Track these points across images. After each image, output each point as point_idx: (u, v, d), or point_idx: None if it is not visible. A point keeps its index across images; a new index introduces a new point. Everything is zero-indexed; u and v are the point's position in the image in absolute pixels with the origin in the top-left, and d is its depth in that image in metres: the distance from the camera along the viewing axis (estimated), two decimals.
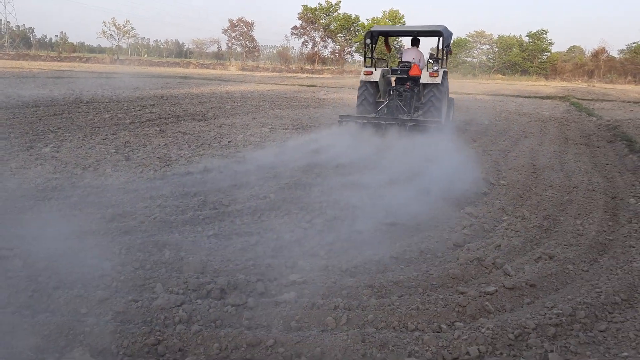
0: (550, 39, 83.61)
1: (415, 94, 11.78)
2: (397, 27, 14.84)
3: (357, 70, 77.72)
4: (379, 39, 12.82)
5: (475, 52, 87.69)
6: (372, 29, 12.23)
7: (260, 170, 7.73)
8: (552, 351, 3.03)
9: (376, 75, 11.78)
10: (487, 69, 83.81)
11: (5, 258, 4.06)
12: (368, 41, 11.99)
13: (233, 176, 7.35)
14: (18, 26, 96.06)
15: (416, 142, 9.82)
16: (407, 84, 11.68)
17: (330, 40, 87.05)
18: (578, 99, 29.72)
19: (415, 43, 12.61)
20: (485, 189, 7.15)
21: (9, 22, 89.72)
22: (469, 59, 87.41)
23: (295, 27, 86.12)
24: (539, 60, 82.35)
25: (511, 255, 4.73)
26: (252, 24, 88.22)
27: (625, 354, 3.05)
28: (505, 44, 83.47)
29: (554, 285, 4.06)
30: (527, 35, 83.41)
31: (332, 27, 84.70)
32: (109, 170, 7.50)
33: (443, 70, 11.59)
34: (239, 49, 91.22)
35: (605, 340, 3.22)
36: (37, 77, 30.68)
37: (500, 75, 77.91)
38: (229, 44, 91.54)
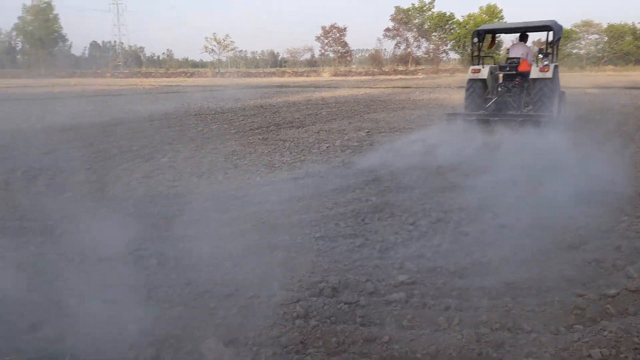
0: None
1: (524, 90, 11.64)
2: (506, 25, 14.93)
3: (452, 69, 75.79)
4: (485, 36, 12.82)
5: (582, 43, 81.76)
6: (479, 28, 12.36)
7: (360, 174, 7.90)
8: None
9: (484, 73, 11.78)
10: (596, 61, 77.78)
11: (143, 258, 4.56)
12: (475, 40, 12.14)
13: (333, 180, 7.58)
14: (130, 46, 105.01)
15: (526, 138, 9.48)
16: (516, 79, 11.56)
17: (424, 39, 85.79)
18: None
19: (523, 39, 12.42)
20: (600, 188, 6.74)
21: (122, 43, 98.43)
22: (575, 51, 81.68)
23: (387, 29, 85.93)
24: None
25: (633, 257, 4.45)
26: (345, 29, 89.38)
27: None
28: (616, 33, 76.96)
29: None
30: None
31: (425, 26, 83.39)
32: (221, 177, 8.05)
33: (554, 64, 11.30)
34: (331, 54, 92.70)
35: None
36: (149, 93, 33.41)
37: (611, 67, 71.99)
38: (322, 51, 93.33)
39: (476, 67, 11.96)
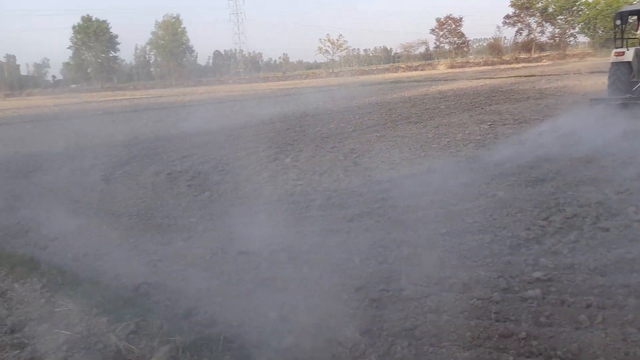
0: None
1: None
2: None
3: (581, 54, 69.93)
4: (628, 18, 12.28)
5: None
6: (622, 9, 12.02)
7: (485, 169, 7.66)
8: None
9: (629, 55, 11.26)
10: None
11: (275, 252, 4.89)
12: (618, 22, 11.84)
13: (456, 175, 7.43)
14: (249, 53, 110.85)
15: None
16: None
17: (548, 24, 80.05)
18: None
19: None
20: None
21: (242, 50, 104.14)
22: None
23: (507, 16, 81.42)
24: None
25: None
26: (461, 19, 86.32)
27: None
28: None
29: None
30: None
31: (550, 9, 77.75)
32: (342, 175, 8.27)
33: None
34: (447, 46, 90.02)
35: None
36: (268, 96, 35.10)
37: None
38: (437, 43, 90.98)
39: (619, 49, 11.47)
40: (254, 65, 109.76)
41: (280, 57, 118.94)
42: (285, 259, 4.79)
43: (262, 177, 8.66)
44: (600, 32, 71.90)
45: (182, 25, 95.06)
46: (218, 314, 3.66)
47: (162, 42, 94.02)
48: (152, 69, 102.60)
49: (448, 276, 4.06)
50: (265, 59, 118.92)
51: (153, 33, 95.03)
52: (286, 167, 9.39)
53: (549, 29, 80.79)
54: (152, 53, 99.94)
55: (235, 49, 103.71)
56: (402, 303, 3.68)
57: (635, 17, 12.78)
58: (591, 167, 7.13)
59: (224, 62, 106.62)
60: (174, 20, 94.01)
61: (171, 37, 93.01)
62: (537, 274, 3.92)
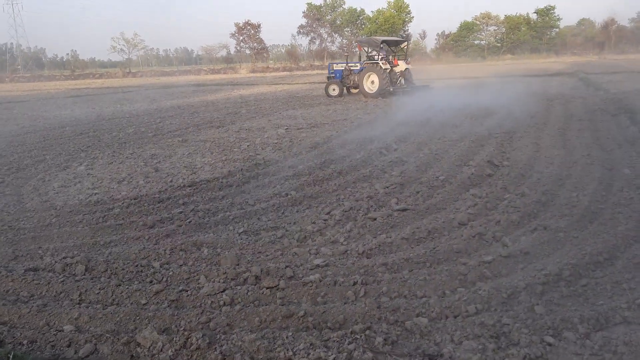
0: (558, 15, 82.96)
1: None
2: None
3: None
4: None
5: (483, 34, 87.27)
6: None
7: (280, 171, 8.36)
8: (537, 304, 3.58)
9: None
10: (496, 50, 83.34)
11: (70, 265, 4.74)
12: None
13: (255, 178, 7.98)
14: (29, 47, 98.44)
15: None
16: None
17: (337, 35, 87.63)
18: (587, 73, 29.74)
19: None
20: (490, 171, 7.66)
21: (20, 45, 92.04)
22: (477, 42, 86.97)
23: (301, 26, 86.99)
24: (548, 36, 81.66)
25: (510, 228, 5.27)
26: (259, 25, 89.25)
27: (601, 302, 3.59)
28: (513, 24, 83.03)
29: (546, 252, 4.60)
30: (534, 13, 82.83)
31: (338, 22, 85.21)
32: (142, 182, 8.19)
33: None
34: (247, 51, 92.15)
35: (585, 293, 3.77)
36: (55, 97, 31.83)
37: (509, 55, 77.48)
38: (238, 48, 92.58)
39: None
40: (36, 61, 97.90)
41: (68, 54, 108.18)
42: (82, 271, 4.68)
43: (51, 187, 8.08)
44: None
45: None
46: (5, 333, 3.51)
47: None
48: None
49: (243, 271, 4.48)
50: (49, 55, 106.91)
51: None
52: (80, 176, 8.90)
53: (338, 39, 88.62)
54: None
55: (12, 43, 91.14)
56: (200, 300, 3.99)
57: None
58: (367, 166, 8.33)
59: None
60: None
61: None
62: (317, 261, 4.59)
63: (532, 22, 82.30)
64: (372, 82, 21.45)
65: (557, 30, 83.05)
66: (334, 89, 22.81)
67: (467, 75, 32.90)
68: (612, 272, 4.07)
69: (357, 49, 24.52)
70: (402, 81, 22.23)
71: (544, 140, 9.91)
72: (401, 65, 22.13)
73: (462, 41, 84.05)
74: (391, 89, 21.20)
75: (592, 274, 4.07)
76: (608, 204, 5.83)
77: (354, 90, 23.14)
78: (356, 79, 22.42)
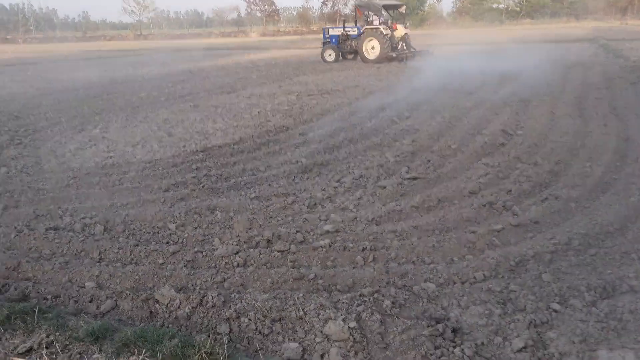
0: None
1: None
2: None
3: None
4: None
5: None
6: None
7: (291, 138, 8.39)
8: (545, 272, 3.65)
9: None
10: (514, 14, 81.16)
11: (89, 225, 4.89)
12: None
13: (266, 145, 8.03)
14: (41, 8, 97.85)
15: None
16: None
17: None
18: (607, 39, 28.99)
19: None
20: (503, 140, 7.63)
21: (32, 5, 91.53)
22: (495, 5, 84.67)
23: None
24: (569, 0, 79.20)
25: (521, 198, 5.30)
26: None
27: (609, 271, 3.64)
28: None
29: (556, 221, 4.64)
30: None
31: None
32: (156, 146, 8.28)
33: None
34: (258, 13, 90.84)
35: (593, 262, 3.82)
36: (68, 59, 31.83)
37: (528, 20, 75.46)
38: (249, 10, 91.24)
39: None
40: (48, 22, 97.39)
41: (79, 15, 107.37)
42: (100, 231, 4.83)
43: (68, 150, 8.20)
44: None
45: None
46: (30, 289, 3.66)
47: None
48: None
49: (255, 235, 4.59)
50: (61, 16, 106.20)
51: None
52: (95, 139, 9.00)
53: (351, 1, 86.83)
54: None
55: (24, 3, 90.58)
56: (214, 261, 4.11)
57: None
58: (378, 134, 8.33)
59: (10, 18, 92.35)
60: None
61: None
62: (327, 227, 4.67)
63: None
64: (373, 48, 21.26)
65: None
66: (330, 54, 22.67)
67: (482, 41, 32.22)
68: (622, 243, 4.10)
69: (355, 13, 23.88)
70: (403, 46, 22.02)
71: (560, 109, 9.79)
72: (400, 30, 21.83)
73: (479, 4, 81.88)
74: (393, 55, 21.09)
75: (601, 244, 4.11)
76: (622, 175, 5.81)
77: (349, 56, 23.07)
78: (354, 44, 22.18)
